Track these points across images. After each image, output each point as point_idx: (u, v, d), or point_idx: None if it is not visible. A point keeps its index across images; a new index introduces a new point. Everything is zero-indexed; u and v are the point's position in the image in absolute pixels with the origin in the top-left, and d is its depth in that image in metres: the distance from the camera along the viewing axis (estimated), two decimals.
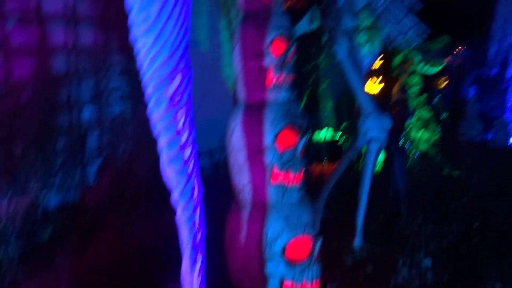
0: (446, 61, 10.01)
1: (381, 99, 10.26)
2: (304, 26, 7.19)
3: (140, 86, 2.24)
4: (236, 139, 2.83)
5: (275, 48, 2.72)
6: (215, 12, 4.77)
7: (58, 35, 4.00)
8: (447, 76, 10.15)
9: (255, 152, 2.79)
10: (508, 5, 9.27)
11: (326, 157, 5.89)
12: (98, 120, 4.31)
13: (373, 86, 10.14)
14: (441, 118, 8.86)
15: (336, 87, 6.11)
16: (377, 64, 9.85)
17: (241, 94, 2.88)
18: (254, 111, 2.80)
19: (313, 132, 5.97)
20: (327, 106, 6.40)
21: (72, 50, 3.99)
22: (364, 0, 3.94)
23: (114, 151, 4.20)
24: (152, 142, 2.39)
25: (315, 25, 5.45)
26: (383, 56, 8.42)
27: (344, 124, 6.43)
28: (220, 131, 3.18)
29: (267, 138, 2.74)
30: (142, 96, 2.27)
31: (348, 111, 5.95)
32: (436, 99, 9.15)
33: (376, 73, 10.01)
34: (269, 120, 2.75)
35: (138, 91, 2.54)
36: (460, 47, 10.50)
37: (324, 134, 6.13)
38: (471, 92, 9.76)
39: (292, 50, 2.76)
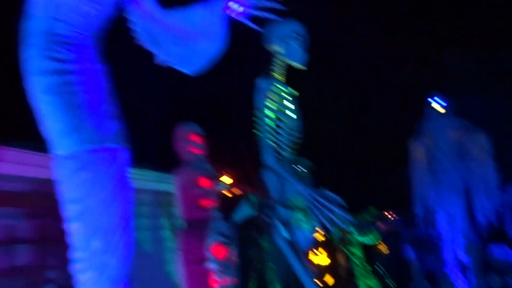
0: (380, 230, 10.73)
1: (330, 270, 10.40)
2: (244, 212, 7.64)
3: None
4: None
5: (216, 253, 2.87)
6: (157, 211, 5.01)
7: None
8: (386, 243, 10.70)
9: None
10: (422, 170, 10.54)
11: None
12: None
13: (322, 259, 10.35)
14: (389, 284, 9.00)
15: (284, 271, 6.18)
16: (321, 237, 10.31)
17: None
18: None
19: None
20: None
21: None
22: (295, 189, 4.36)
23: None
24: None
25: (255, 211, 5.79)
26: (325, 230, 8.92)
27: None
28: None
29: None
30: None
31: None
32: (380, 266, 9.44)
33: (322, 246, 10.37)
34: None
35: None
36: (390, 215, 11.38)
37: None
38: (410, 253, 10.20)
39: (234, 253, 2.93)
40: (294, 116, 4.36)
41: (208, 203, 2.95)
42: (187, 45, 2.55)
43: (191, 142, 3.03)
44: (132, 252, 2.08)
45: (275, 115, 4.34)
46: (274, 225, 4.17)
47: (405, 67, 11.83)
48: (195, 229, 2.91)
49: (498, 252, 9.82)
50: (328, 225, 3.84)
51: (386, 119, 12.60)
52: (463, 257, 9.89)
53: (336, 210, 3.85)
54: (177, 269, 2.89)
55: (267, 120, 4.30)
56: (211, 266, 2.79)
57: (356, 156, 12.85)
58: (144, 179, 5.15)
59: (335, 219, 3.75)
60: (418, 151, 10.60)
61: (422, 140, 10.57)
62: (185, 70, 2.65)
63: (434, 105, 10.57)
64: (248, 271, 6.76)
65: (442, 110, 10.50)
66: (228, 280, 2.81)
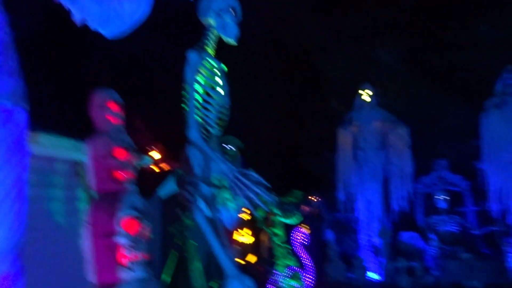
0: (303, 212, 11.13)
1: (253, 249, 10.62)
2: (169, 188, 7.46)
3: None
4: None
5: (127, 227, 2.75)
6: (72, 182, 4.71)
7: None
8: (308, 225, 11.12)
9: None
10: (346, 157, 11.04)
11: None
12: None
13: (246, 238, 10.53)
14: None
15: (205, 248, 6.15)
16: (247, 216, 10.45)
17: (91, 275, 2.74)
18: None
19: None
20: (196, 268, 6.30)
21: None
22: (219, 168, 4.29)
23: None
24: None
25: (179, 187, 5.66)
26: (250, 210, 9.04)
27: (215, 285, 6.31)
28: None
29: None
30: None
31: (218, 272, 5.92)
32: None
33: (247, 225, 10.53)
34: None
35: None
36: (314, 198, 11.81)
37: None
38: (330, 236, 10.70)
39: (147, 228, 2.81)
40: (223, 93, 4.26)
41: (123, 175, 2.79)
42: (109, 5, 2.35)
43: (108, 109, 2.84)
44: (23, 224, 1.90)
45: (204, 90, 4.23)
46: (196, 202, 4.11)
47: (337, 57, 12.19)
48: (106, 201, 2.75)
49: (408, 238, 10.65)
50: (248, 205, 3.84)
51: (317, 105, 12.97)
52: (376, 241, 10.61)
53: (259, 190, 3.86)
54: (85, 243, 2.72)
55: (195, 95, 4.18)
56: (121, 240, 2.67)
57: (285, 140, 13.12)
58: (60, 147, 4.81)
59: (255, 199, 3.76)
60: (344, 139, 11.09)
61: (349, 129, 11.07)
62: (104, 32, 2.45)
63: (364, 96, 11.07)
64: (169, 247, 6.66)
65: (369, 101, 11.02)
66: (139, 255, 2.70)
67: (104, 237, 2.71)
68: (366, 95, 11.07)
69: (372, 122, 11.01)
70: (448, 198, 10.68)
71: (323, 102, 13.05)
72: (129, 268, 2.70)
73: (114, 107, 2.86)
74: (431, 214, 10.74)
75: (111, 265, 2.71)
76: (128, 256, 2.69)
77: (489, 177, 10.04)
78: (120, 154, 2.79)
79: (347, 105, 11.65)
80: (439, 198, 10.69)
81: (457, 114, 11.89)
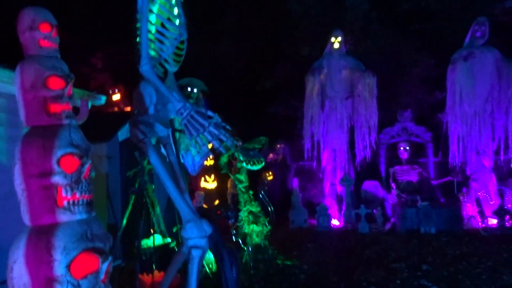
0: (268, 158, 11.11)
1: (216, 195, 10.61)
2: (127, 131, 7.12)
3: None
4: (18, 274, 2.38)
5: (65, 165, 2.47)
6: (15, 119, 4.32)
7: None
8: (272, 171, 11.16)
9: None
10: (314, 106, 10.89)
11: (156, 265, 5.51)
12: None
13: (209, 183, 10.46)
14: (270, 210, 9.50)
15: (164, 191, 5.99)
16: (211, 162, 10.32)
17: (26, 218, 2.48)
18: (42, 237, 2.41)
19: (141, 238, 5.58)
20: (156, 211, 6.18)
21: None
22: (175, 108, 3.99)
23: None
24: None
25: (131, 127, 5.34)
26: (214, 155, 8.90)
27: (175, 228, 6.23)
28: None
29: (60, 266, 2.36)
30: None
31: (178, 215, 5.81)
32: (263, 193, 9.85)
33: (210, 170, 10.43)
34: (61, 247, 2.39)
35: None
36: (279, 145, 11.75)
37: (153, 240, 5.80)
38: (294, 183, 10.77)
39: (87, 166, 2.53)
40: (179, 23, 3.87)
41: (59, 107, 2.47)
42: None
43: (39, 32, 2.46)
44: None
45: (159, 21, 3.84)
46: (150, 143, 3.84)
47: (309, 1, 11.65)
48: (40, 137, 2.44)
49: (369, 186, 10.89)
50: (200, 144, 3.59)
51: (286, 51, 12.54)
52: (339, 189, 10.79)
53: (217, 132, 3.62)
54: (17, 184, 2.44)
55: (149, 26, 3.79)
56: (59, 180, 2.39)
57: (252, 85, 12.75)
58: None
59: (214, 141, 3.52)
60: (312, 87, 10.89)
61: (318, 77, 10.84)
62: None
63: (334, 44, 10.76)
64: (126, 191, 6.46)
65: (338, 47, 10.75)
66: (79, 196, 2.45)
67: (39, 177, 2.43)
68: (336, 42, 10.78)
69: (341, 71, 10.82)
70: (409, 148, 10.87)
71: (293, 48, 12.67)
72: (68, 210, 2.45)
73: (46, 28, 2.48)
74: (393, 164, 10.95)
75: (47, 206, 2.45)
76: (67, 196, 2.43)
77: (451, 129, 10.23)
78: (55, 83, 2.45)
79: (317, 52, 11.35)
80: (401, 149, 10.86)
81: (425, 65, 11.86)
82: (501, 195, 9.73)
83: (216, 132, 3.70)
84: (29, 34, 2.47)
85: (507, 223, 9.10)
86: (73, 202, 2.45)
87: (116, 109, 10.07)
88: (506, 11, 11.57)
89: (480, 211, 9.52)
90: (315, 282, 5.74)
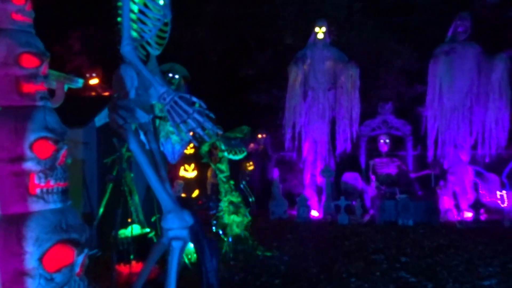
0: (249, 148, 10.99)
1: (197, 184, 10.45)
2: (104, 117, 6.86)
3: None
4: None
5: (38, 151, 2.29)
6: None
7: None
8: (252, 162, 11.06)
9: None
10: (293, 99, 10.81)
11: (133, 255, 5.35)
12: None
13: (189, 172, 10.28)
14: (250, 200, 9.42)
15: (144, 179, 5.80)
16: (191, 151, 10.13)
17: None
18: (12, 228, 2.24)
19: (119, 228, 5.39)
20: (134, 200, 5.99)
21: None
22: (158, 93, 3.79)
23: None
24: None
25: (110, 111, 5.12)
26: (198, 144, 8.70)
27: (154, 218, 6.06)
28: None
29: (32, 258, 2.21)
30: None
31: (157, 204, 5.64)
32: (244, 183, 9.75)
33: (190, 159, 10.25)
34: (33, 239, 2.23)
35: None
36: (261, 135, 11.64)
37: (131, 230, 5.62)
38: (275, 174, 10.70)
39: (62, 152, 2.36)
40: (163, 3, 3.67)
41: (32, 87, 2.28)
42: None
43: (11, 4, 2.25)
44: None
45: (142, 1, 3.64)
46: (129, 129, 3.66)
47: None
48: (12, 118, 2.25)
49: (349, 178, 10.94)
50: (183, 131, 3.43)
51: (269, 40, 12.35)
52: (319, 180, 10.79)
53: (201, 119, 3.46)
54: None
55: (131, 5, 3.58)
56: (31, 166, 2.22)
57: (234, 73, 12.53)
58: None
59: (194, 125, 3.36)
60: (295, 77, 10.78)
61: (301, 67, 10.74)
62: None
63: (318, 34, 10.66)
64: (103, 179, 6.24)
65: (323, 38, 10.66)
66: (53, 184, 2.28)
67: (10, 162, 2.25)
68: (320, 32, 10.68)
69: (324, 61, 10.74)
70: (389, 141, 10.95)
71: (276, 36, 12.50)
72: (41, 198, 2.28)
73: (19, 0, 2.27)
74: (373, 156, 11.01)
75: (18, 194, 2.27)
76: (40, 184, 2.26)
77: (430, 123, 10.33)
78: (29, 61, 2.25)
79: (300, 41, 11.23)
80: (381, 141, 10.93)
81: (407, 57, 11.91)
82: (477, 189, 9.93)
83: (200, 119, 3.54)
84: (1, 5, 2.26)
85: (481, 217, 9.30)
86: (47, 190, 2.29)
87: (93, 93, 9.71)
88: (487, 6, 11.69)
89: (456, 204, 9.69)
90: (296, 274, 5.70)
